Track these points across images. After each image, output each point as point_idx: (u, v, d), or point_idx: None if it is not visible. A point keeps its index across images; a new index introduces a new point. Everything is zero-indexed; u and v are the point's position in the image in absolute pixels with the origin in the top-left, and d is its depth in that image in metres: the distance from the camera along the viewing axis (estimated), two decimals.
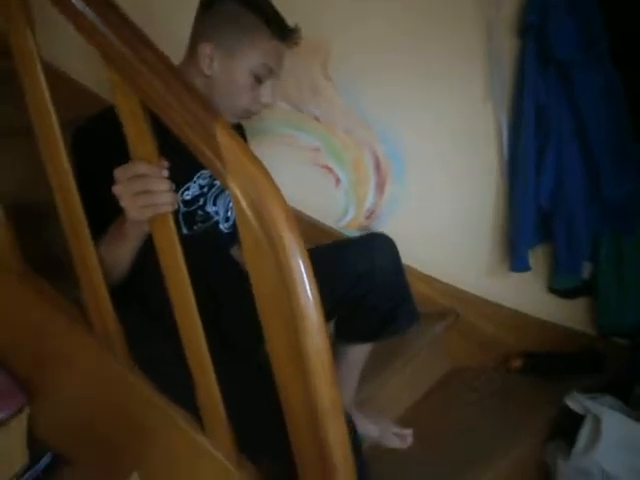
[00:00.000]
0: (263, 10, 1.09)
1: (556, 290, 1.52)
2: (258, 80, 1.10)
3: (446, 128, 1.51)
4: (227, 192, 1.20)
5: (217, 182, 1.19)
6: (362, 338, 1.19)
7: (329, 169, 1.64)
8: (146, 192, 0.80)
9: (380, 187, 1.61)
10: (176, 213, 1.02)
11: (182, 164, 0.89)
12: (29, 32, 0.86)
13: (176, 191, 0.87)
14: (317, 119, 1.61)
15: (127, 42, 0.78)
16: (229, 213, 1.22)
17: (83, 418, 1.05)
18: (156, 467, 1.02)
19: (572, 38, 1.23)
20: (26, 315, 1.00)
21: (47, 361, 1.03)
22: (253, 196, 0.76)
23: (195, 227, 1.13)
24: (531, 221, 1.40)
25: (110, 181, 0.82)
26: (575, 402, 1.31)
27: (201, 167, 1.11)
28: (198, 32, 1.11)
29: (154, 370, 0.99)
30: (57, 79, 1.72)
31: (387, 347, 1.46)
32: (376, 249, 1.11)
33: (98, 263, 0.93)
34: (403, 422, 1.40)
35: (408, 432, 1.21)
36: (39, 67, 0.87)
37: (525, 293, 1.58)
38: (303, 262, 0.75)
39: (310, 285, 0.76)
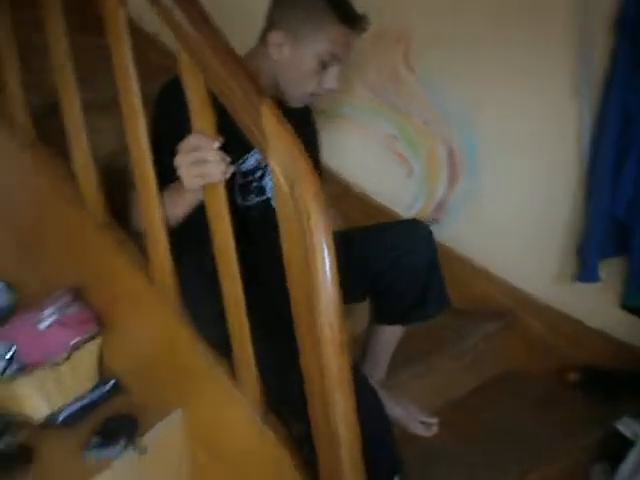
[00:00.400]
0: None
1: (628, 307, 1.43)
2: (323, 66, 1.15)
3: (525, 126, 1.47)
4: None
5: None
6: (391, 320, 1.23)
7: (403, 158, 1.66)
8: (199, 162, 0.90)
9: (452, 181, 1.61)
10: (232, 183, 1.14)
11: (241, 137, 0.97)
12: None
13: (233, 163, 0.96)
14: (396, 107, 1.63)
15: (195, 24, 0.88)
16: None
17: (142, 354, 1.20)
18: (196, 407, 1.14)
19: None
20: (105, 259, 1.15)
21: (118, 301, 1.19)
22: (290, 174, 0.83)
23: (249, 198, 1.22)
24: (604, 230, 1.33)
25: (181, 137, 0.91)
26: (626, 426, 1.26)
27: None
28: (270, 19, 1.18)
29: (201, 322, 1.11)
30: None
31: (439, 336, 1.50)
32: (413, 235, 1.15)
33: (163, 225, 1.06)
34: (444, 413, 1.42)
35: (434, 421, 1.23)
36: (127, 44, 1.00)
37: (593, 306, 1.51)
38: (326, 241, 0.81)
39: (330, 263, 0.81)
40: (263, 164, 1.24)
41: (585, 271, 1.39)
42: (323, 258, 0.82)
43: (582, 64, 1.35)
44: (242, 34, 1.19)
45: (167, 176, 0.99)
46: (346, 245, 1.10)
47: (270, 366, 1.03)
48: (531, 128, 1.47)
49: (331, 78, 1.17)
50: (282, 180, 0.84)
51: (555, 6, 1.37)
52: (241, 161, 1.20)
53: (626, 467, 1.20)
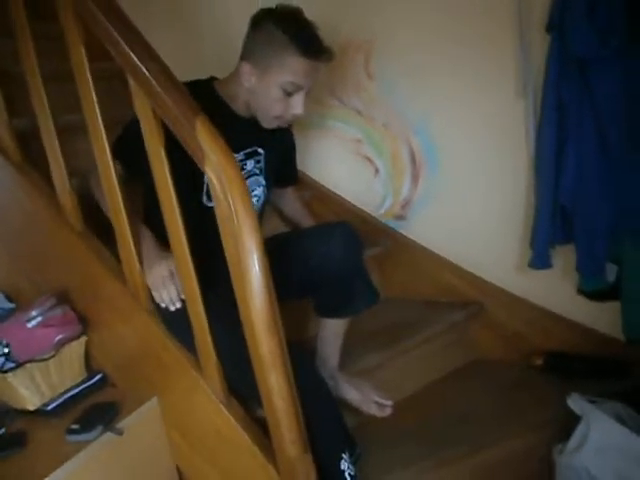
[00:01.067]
0: (292, 29, 1.23)
1: (584, 292, 1.48)
2: (287, 94, 1.26)
3: (479, 124, 1.55)
4: (253, 179, 1.39)
5: (247, 166, 1.37)
6: (326, 314, 1.33)
7: (369, 159, 1.76)
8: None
9: (415, 178, 1.69)
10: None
11: None
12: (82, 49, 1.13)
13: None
14: (359, 112, 1.74)
15: (138, 55, 1.01)
16: (253, 199, 1.37)
17: (122, 350, 1.33)
18: (169, 395, 1.26)
19: (588, 36, 1.20)
20: (83, 266, 1.29)
21: (98, 303, 1.32)
22: (222, 180, 0.95)
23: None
24: (550, 219, 1.39)
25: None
26: (575, 403, 1.31)
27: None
28: (243, 50, 1.30)
29: (172, 318, 1.24)
30: None
31: (406, 325, 1.59)
32: (333, 237, 1.23)
33: (131, 234, 1.19)
34: (411, 400, 1.52)
35: (388, 403, 1.32)
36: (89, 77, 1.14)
37: (555, 292, 1.57)
38: (252, 231, 0.94)
39: (257, 257, 0.93)
40: None
41: (536, 258, 1.45)
42: (250, 245, 0.93)
43: (523, 65, 1.43)
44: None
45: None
46: (279, 247, 1.23)
47: (227, 356, 1.14)
48: (483, 127, 1.55)
49: (296, 105, 1.28)
50: (217, 186, 0.96)
51: (495, 19, 1.46)
52: None
53: (572, 443, 1.26)
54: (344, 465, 1.13)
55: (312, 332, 1.48)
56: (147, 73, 1.00)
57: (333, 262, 1.21)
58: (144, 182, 1.24)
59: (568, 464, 1.28)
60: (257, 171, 1.39)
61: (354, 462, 1.17)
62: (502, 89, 1.49)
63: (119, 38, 1.01)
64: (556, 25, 1.29)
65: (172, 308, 1.18)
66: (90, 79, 1.14)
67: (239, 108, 1.34)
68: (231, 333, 1.09)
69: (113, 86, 1.68)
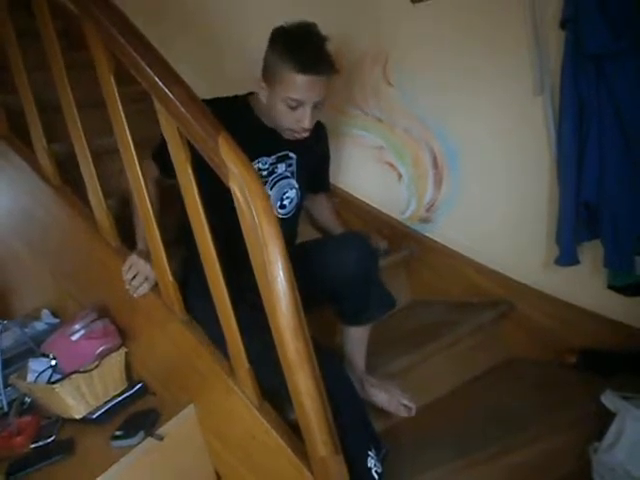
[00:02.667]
0: (292, 45, 1.28)
1: (614, 287, 1.47)
2: (292, 108, 1.31)
3: (498, 124, 1.57)
4: (285, 181, 1.46)
5: (278, 169, 1.44)
6: (347, 322, 1.37)
7: (392, 165, 1.79)
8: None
9: (438, 181, 1.71)
10: None
11: (245, 148, 1.09)
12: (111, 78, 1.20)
13: None
14: (380, 120, 1.77)
15: (164, 81, 1.07)
16: (285, 201, 1.46)
17: (159, 360, 1.39)
18: (205, 402, 1.31)
19: (601, 32, 1.21)
20: (120, 281, 1.35)
21: (135, 315, 1.38)
22: (245, 194, 1.00)
23: None
24: (574, 215, 1.39)
25: None
26: (609, 400, 1.30)
27: (262, 154, 1.41)
28: (262, 67, 1.36)
29: (206, 325, 1.29)
30: None
31: (435, 327, 1.61)
32: (347, 247, 1.27)
33: (163, 249, 1.26)
34: (443, 401, 1.53)
35: (412, 405, 1.33)
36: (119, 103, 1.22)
37: (584, 288, 1.56)
38: (275, 241, 0.99)
39: (281, 258, 0.98)
40: (264, 173, 1.42)
41: (562, 255, 1.45)
42: (276, 260, 0.98)
43: (539, 63, 1.44)
44: None
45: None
46: (303, 256, 1.27)
47: (262, 361, 1.18)
48: (503, 127, 1.56)
49: (301, 118, 1.33)
50: (241, 199, 1.01)
51: (509, 18, 1.47)
52: None
53: (607, 440, 1.25)
54: (371, 462, 1.16)
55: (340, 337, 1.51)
56: (171, 96, 1.06)
57: (348, 271, 1.25)
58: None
59: (604, 461, 1.27)
60: (288, 174, 1.46)
61: (381, 460, 1.19)
62: (520, 87, 1.50)
63: (144, 65, 1.08)
64: (570, 21, 1.29)
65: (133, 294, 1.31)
66: (120, 105, 1.21)
67: (266, 120, 1.41)
68: (264, 337, 1.11)
69: (143, 107, 1.77)
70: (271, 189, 1.43)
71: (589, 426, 1.37)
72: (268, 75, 1.32)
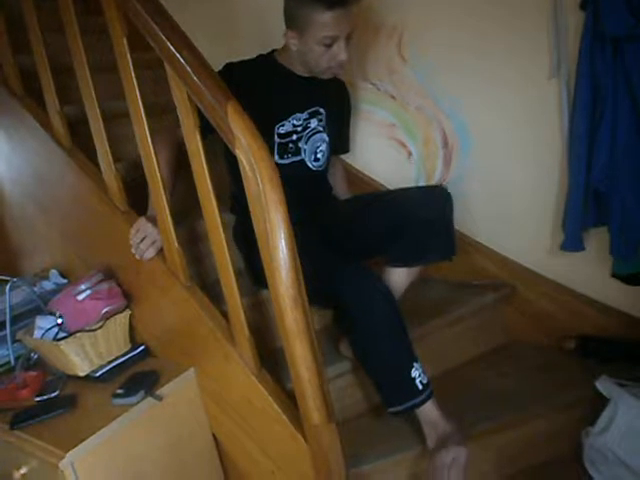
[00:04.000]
0: None
1: (618, 275, 1.46)
2: (328, 46, 1.38)
3: (511, 106, 1.54)
4: (318, 135, 1.53)
5: (311, 124, 1.52)
6: (404, 261, 1.40)
7: (402, 143, 1.78)
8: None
9: (447, 161, 1.70)
10: (271, 143, 1.46)
11: (280, 106, 1.25)
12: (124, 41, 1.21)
13: (273, 126, 1.42)
14: (393, 97, 1.75)
15: (177, 47, 1.08)
16: (319, 154, 1.54)
17: (162, 324, 1.42)
18: (205, 366, 1.34)
19: (622, 13, 1.18)
20: (127, 244, 1.37)
21: (140, 279, 1.40)
22: (251, 162, 1.01)
23: (285, 156, 1.50)
24: (582, 200, 1.39)
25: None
26: (604, 385, 1.31)
27: (296, 111, 1.49)
28: (284, 18, 1.42)
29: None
30: None
31: (438, 306, 1.62)
32: (431, 193, 1.43)
33: (169, 215, 1.28)
34: (442, 378, 1.53)
35: None
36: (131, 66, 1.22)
37: (588, 276, 1.56)
38: (278, 208, 1.00)
39: (283, 225, 0.99)
40: (299, 129, 1.50)
41: (568, 240, 1.44)
42: (278, 227, 0.99)
43: (557, 44, 1.41)
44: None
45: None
46: (368, 203, 1.47)
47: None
48: (516, 109, 1.54)
49: (339, 52, 1.40)
50: (247, 167, 1.02)
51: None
52: (279, 125, 1.47)
53: (599, 425, 1.26)
54: (415, 373, 1.23)
55: None
56: (183, 61, 1.06)
57: (431, 210, 1.36)
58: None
59: (595, 445, 1.29)
60: (320, 128, 1.54)
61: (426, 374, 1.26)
62: (535, 69, 1.48)
63: (157, 29, 1.08)
64: (590, 2, 1.27)
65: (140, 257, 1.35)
66: (131, 68, 1.21)
67: (299, 70, 1.49)
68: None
69: (159, 74, 1.77)
70: (306, 143, 1.51)
71: (583, 410, 1.38)
72: (296, 23, 1.39)
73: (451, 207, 1.43)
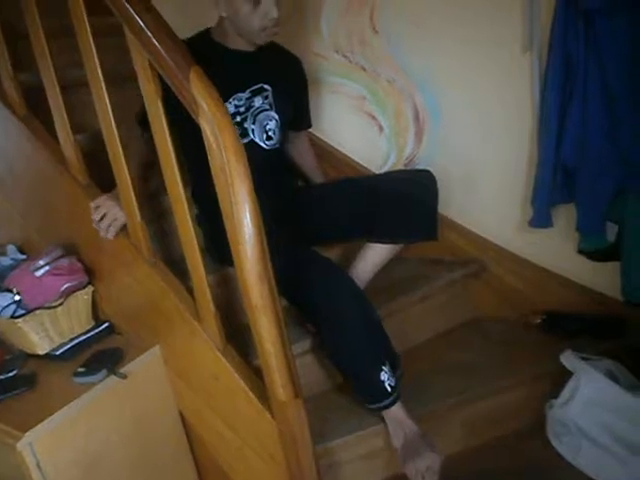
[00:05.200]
0: None
1: (584, 252, 1.48)
2: (256, 3, 1.32)
3: (483, 80, 1.53)
4: (265, 114, 1.45)
5: (255, 103, 1.43)
6: (382, 237, 1.44)
7: (373, 117, 1.75)
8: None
9: (418, 136, 1.68)
10: None
11: (218, 88, 1.10)
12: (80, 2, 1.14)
13: None
14: (363, 69, 1.71)
15: (134, 7, 1.01)
16: (269, 132, 1.47)
17: (126, 300, 1.38)
18: (171, 343, 1.32)
19: None
20: (88, 218, 1.32)
21: (102, 255, 1.36)
22: (215, 132, 0.97)
23: None
24: (552, 177, 1.39)
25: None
26: (568, 359, 1.33)
27: (237, 91, 1.41)
28: None
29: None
30: None
31: (405, 281, 1.62)
32: (425, 173, 1.49)
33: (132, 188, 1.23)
34: (409, 353, 1.53)
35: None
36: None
37: (555, 252, 1.57)
38: (244, 182, 0.96)
39: (248, 199, 0.96)
40: (242, 109, 1.42)
41: (536, 217, 1.45)
42: (243, 202, 0.96)
43: (530, 19, 1.39)
44: None
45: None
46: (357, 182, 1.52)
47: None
48: (488, 84, 1.52)
49: (269, 8, 1.34)
50: (210, 137, 0.98)
51: None
52: None
53: (562, 397, 1.29)
54: (384, 376, 1.23)
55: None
56: (142, 24, 1.00)
57: (421, 188, 1.42)
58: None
59: (557, 417, 1.32)
60: (267, 106, 1.46)
61: (396, 377, 1.27)
62: (508, 44, 1.45)
63: None
64: None
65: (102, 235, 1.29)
66: (89, 33, 1.15)
67: (236, 43, 1.42)
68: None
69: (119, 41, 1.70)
70: (253, 123, 1.44)
71: (547, 384, 1.41)
72: None
73: (437, 191, 1.47)
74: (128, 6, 1.03)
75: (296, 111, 1.58)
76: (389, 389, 1.24)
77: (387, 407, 1.25)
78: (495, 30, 1.47)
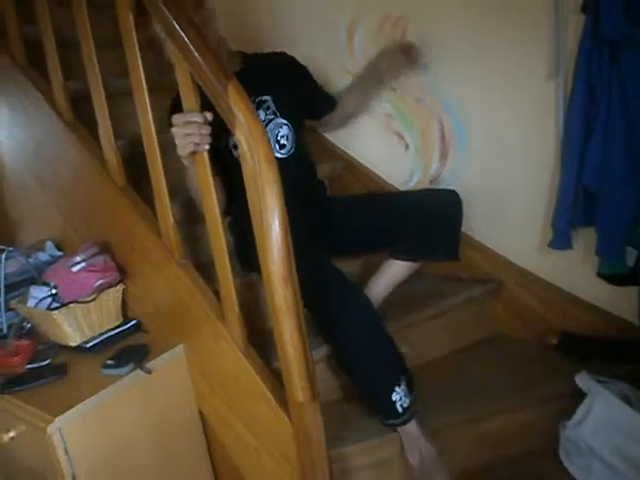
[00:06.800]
0: None
1: (603, 275, 1.50)
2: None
3: (509, 103, 1.57)
4: (272, 124, 1.50)
5: (260, 116, 1.45)
6: (404, 254, 1.46)
7: (400, 135, 1.80)
8: (192, 134, 1.12)
9: (443, 155, 1.73)
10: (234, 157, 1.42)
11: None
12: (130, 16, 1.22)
13: (227, 137, 1.37)
14: (393, 88, 1.77)
15: (182, 26, 1.08)
16: (282, 140, 1.51)
17: (155, 299, 1.44)
18: (194, 342, 1.37)
19: (620, 18, 1.20)
20: (123, 219, 1.40)
21: (134, 254, 1.43)
22: (249, 142, 1.03)
23: None
24: (572, 199, 1.41)
25: None
26: (582, 380, 1.34)
27: None
28: None
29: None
30: None
31: (423, 297, 1.65)
32: (450, 193, 1.48)
33: (166, 190, 1.30)
34: (424, 369, 1.56)
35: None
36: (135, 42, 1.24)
37: (574, 274, 1.59)
38: (273, 188, 1.01)
39: (277, 205, 1.01)
40: None
41: (556, 238, 1.47)
42: (272, 207, 1.01)
43: (556, 45, 1.43)
44: None
45: None
46: (380, 200, 1.53)
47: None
48: (513, 107, 1.56)
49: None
50: (245, 146, 1.04)
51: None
52: (229, 133, 1.39)
53: (575, 418, 1.30)
54: (396, 396, 1.25)
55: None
56: (186, 39, 1.07)
57: (446, 208, 1.43)
58: None
59: (570, 438, 1.32)
60: (272, 116, 1.51)
61: (412, 397, 1.28)
62: (534, 69, 1.50)
63: (162, 6, 1.09)
64: (591, 5, 1.29)
65: (192, 149, 1.14)
66: (136, 44, 1.23)
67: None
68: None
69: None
70: None
71: (561, 404, 1.41)
72: None
73: (462, 212, 1.48)
74: (174, 22, 1.10)
75: (310, 101, 1.61)
76: (400, 410, 1.26)
77: (400, 425, 1.28)
78: (522, 57, 1.51)
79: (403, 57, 1.60)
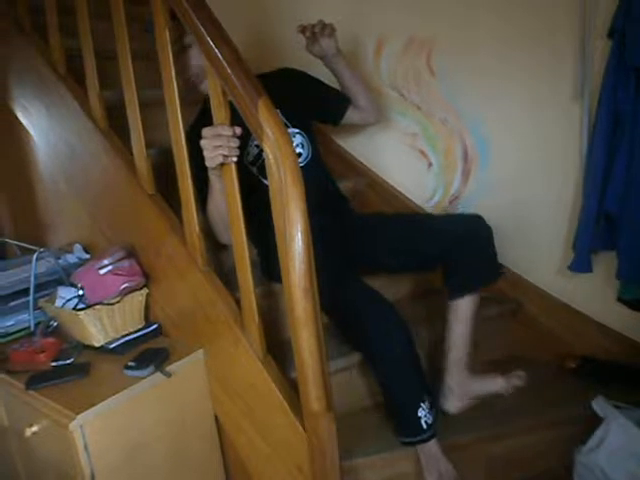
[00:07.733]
0: None
1: (623, 300, 1.49)
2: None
3: (532, 125, 1.58)
4: None
5: None
6: (461, 290, 1.43)
7: (423, 153, 1.82)
8: (221, 147, 1.16)
9: (465, 175, 1.74)
10: (251, 177, 1.49)
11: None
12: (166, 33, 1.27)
13: (242, 160, 1.34)
14: (418, 107, 1.80)
15: (216, 43, 1.13)
16: (297, 149, 1.53)
17: (177, 304, 1.47)
18: (214, 349, 1.40)
19: None
20: (150, 225, 1.44)
21: (159, 260, 1.47)
22: (277, 157, 1.06)
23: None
24: (594, 223, 1.41)
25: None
26: (599, 405, 1.34)
27: (249, 135, 1.35)
28: None
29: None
30: None
31: (438, 316, 1.63)
32: (480, 219, 1.45)
33: (193, 198, 1.34)
34: None
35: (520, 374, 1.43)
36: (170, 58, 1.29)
37: (594, 298, 1.58)
38: (298, 203, 1.04)
39: (301, 220, 1.03)
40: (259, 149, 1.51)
41: (576, 261, 1.47)
42: (296, 222, 1.04)
43: (582, 69, 1.45)
44: None
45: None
46: (421, 222, 1.50)
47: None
48: (536, 129, 1.58)
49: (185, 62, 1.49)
50: (272, 161, 1.07)
51: (558, 21, 1.48)
52: (245, 155, 1.52)
53: (591, 443, 1.29)
54: (421, 412, 1.28)
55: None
56: (219, 55, 1.12)
57: (483, 235, 1.42)
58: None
59: (585, 463, 1.31)
60: None
61: (434, 414, 1.31)
62: (558, 92, 1.51)
63: (197, 22, 1.14)
64: (618, 32, 1.30)
65: (221, 160, 1.18)
66: (171, 59, 1.28)
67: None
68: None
69: None
70: None
71: (576, 428, 1.41)
72: None
73: (492, 233, 1.46)
74: (208, 38, 1.15)
75: (320, 102, 1.63)
76: (425, 426, 1.28)
77: (423, 442, 1.29)
78: (547, 77, 1.53)
79: (326, 38, 1.56)
